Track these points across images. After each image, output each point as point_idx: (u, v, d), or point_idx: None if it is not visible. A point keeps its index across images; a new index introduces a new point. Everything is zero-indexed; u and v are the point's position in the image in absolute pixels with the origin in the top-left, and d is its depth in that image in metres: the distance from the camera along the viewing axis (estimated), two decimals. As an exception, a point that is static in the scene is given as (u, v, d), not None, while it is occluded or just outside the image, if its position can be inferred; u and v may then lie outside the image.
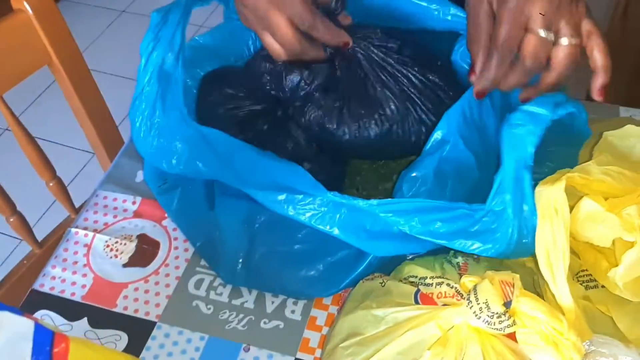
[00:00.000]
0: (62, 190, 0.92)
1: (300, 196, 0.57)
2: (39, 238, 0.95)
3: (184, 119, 0.60)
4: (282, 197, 0.57)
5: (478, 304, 0.49)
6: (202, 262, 0.68)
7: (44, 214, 1.71)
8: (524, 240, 0.54)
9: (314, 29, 0.58)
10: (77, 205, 0.98)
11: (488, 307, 0.49)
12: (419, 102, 0.63)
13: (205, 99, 0.67)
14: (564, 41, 0.53)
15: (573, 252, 0.61)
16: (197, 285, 0.66)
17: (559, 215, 0.49)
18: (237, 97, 0.67)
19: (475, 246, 0.55)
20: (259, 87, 0.66)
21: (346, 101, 0.63)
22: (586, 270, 0.59)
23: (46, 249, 0.91)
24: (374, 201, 0.55)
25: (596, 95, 0.55)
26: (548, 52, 0.53)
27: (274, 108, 0.66)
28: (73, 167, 1.83)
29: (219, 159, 0.60)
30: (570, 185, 0.55)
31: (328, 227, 0.56)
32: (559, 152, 0.66)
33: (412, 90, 0.64)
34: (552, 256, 0.49)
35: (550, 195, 0.50)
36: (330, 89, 0.64)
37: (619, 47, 1.77)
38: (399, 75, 0.64)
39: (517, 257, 0.57)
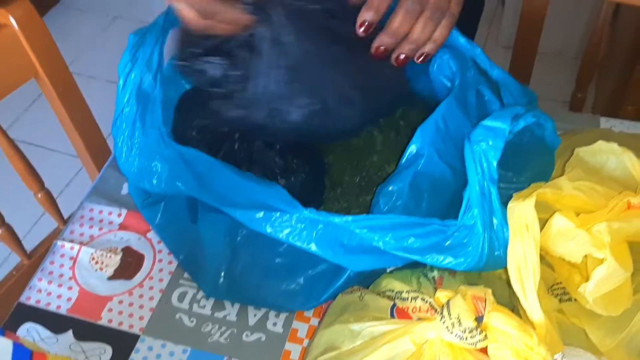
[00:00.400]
0: (51, 201, 0.93)
1: (277, 214, 0.58)
2: (32, 247, 0.96)
3: (163, 138, 0.61)
4: (259, 215, 0.58)
5: (450, 318, 0.50)
6: (186, 275, 0.69)
7: (35, 222, 1.72)
8: (496, 253, 0.56)
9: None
10: (68, 214, 0.99)
11: (460, 322, 0.50)
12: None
13: (180, 120, 0.68)
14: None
15: (549, 265, 0.62)
16: (181, 298, 0.67)
17: (530, 232, 0.50)
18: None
19: (447, 260, 0.56)
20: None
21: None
22: (560, 283, 0.60)
23: (35, 260, 0.92)
24: (349, 217, 0.56)
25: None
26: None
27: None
28: (68, 172, 1.84)
29: (197, 178, 0.61)
30: (544, 200, 0.56)
31: (305, 243, 0.57)
32: (534, 161, 0.67)
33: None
34: (522, 272, 0.51)
35: (521, 212, 0.51)
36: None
37: (607, 57, 1.79)
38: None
39: (490, 269, 0.58)
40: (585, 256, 0.54)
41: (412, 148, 0.60)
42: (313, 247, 0.58)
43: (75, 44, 2.33)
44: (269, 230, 0.57)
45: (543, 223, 0.56)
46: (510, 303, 0.59)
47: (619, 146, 0.58)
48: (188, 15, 0.56)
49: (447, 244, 0.56)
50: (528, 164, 0.66)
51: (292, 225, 0.57)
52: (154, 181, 0.63)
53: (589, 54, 1.01)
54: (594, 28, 0.98)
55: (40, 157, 1.91)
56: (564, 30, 2.00)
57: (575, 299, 0.58)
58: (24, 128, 2.03)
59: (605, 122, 0.83)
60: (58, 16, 2.48)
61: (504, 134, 0.56)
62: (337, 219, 0.57)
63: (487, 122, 0.57)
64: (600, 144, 0.58)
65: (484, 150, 0.55)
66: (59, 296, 0.68)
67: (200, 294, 0.67)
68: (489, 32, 2.21)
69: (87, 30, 2.41)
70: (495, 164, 0.55)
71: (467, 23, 0.92)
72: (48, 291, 0.68)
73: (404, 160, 0.60)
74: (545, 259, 0.62)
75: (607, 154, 0.58)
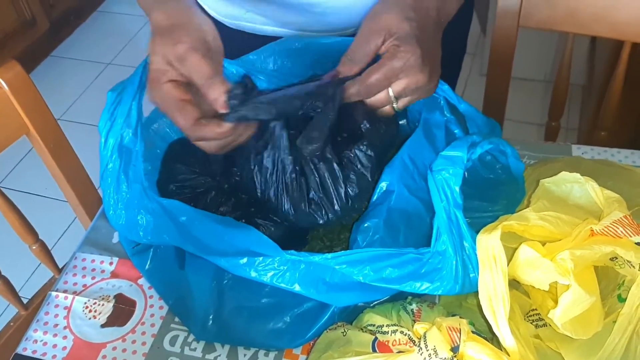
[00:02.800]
0: (45, 252, 0.96)
1: (260, 258, 0.61)
2: (29, 296, 0.97)
3: (145, 192, 0.64)
4: (243, 261, 0.61)
5: (427, 350, 0.53)
6: (177, 319, 0.71)
7: (33, 272, 1.73)
8: (471, 275, 0.58)
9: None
10: (64, 261, 1.01)
11: (437, 353, 0.52)
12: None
13: (165, 172, 0.71)
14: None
15: (525, 292, 0.65)
16: (172, 341, 0.69)
17: (497, 263, 0.53)
18: (189, 172, 0.71)
19: (424, 286, 0.59)
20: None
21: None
22: (536, 309, 0.62)
23: (32, 310, 0.94)
24: (328, 255, 0.59)
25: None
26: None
27: (220, 183, 0.70)
28: (67, 218, 1.87)
29: (180, 229, 0.64)
30: (512, 232, 0.59)
31: (289, 284, 0.60)
32: (506, 190, 0.70)
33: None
34: (493, 301, 0.53)
35: (488, 244, 0.53)
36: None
37: (587, 83, 1.83)
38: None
39: (468, 291, 0.60)
40: (555, 283, 0.57)
41: (382, 185, 0.63)
42: (297, 287, 0.60)
43: (70, 92, 2.39)
44: (253, 274, 0.60)
45: (513, 253, 0.59)
46: (490, 332, 0.61)
47: (582, 175, 0.61)
48: (210, 150, 0.61)
49: (423, 270, 0.59)
50: (501, 194, 0.70)
51: (275, 268, 0.60)
52: (141, 233, 0.66)
53: (558, 85, 1.04)
54: (561, 59, 1.01)
55: (37, 205, 1.96)
56: (547, 56, 2.06)
57: (550, 324, 0.60)
58: (21, 178, 2.06)
59: (576, 150, 0.86)
60: (52, 66, 2.54)
61: (462, 161, 0.59)
62: (317, 258, 0.59)
63: (446, 152, 0.60)
64: (564, 174, 0.61)
65: (446, 178, 0.58)
66: (54, 346, 0.70)
67: (191, 337, 0.69)
68: (473, 62, 2.26)
69: (81, 78, 2.46)
70: (457, 189, 0.58)
71: (451, 67, 0.97)
72: (44, 341, 0.70)
73: (375, 197, 0.63)
74: (522, 287, 0.64)
75: (572, 183, 0.61)
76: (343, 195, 0.64)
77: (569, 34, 0.98)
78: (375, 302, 0.65)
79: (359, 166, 0.64)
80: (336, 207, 0.64)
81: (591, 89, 1.74)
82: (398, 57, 0.58)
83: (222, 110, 0.58)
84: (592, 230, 0.57)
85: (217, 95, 0.58)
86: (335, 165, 0.64)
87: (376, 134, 0.65)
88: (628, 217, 0.58)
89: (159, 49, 0.58)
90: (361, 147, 0.64)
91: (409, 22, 0.59)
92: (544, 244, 0.58)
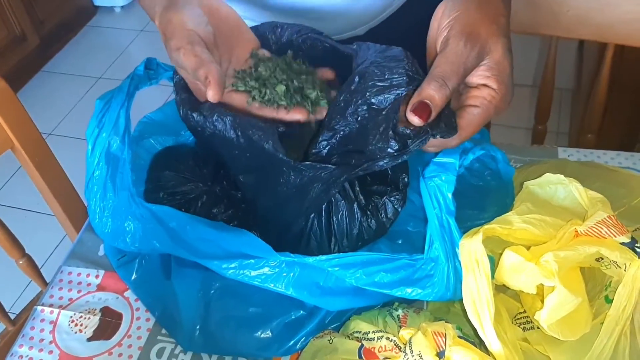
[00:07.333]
0: (32, 267, 0.95)
1: (253, 261, 0.60)
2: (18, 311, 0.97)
3: (133, 199, 0.63)
4: (235, 264, 0.60)
5: (413, 355, 0.52)
6: (163, 331, 0.70)
7: (25, 288, 1.72)
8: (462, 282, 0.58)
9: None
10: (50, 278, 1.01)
11: (422, 358, 0.52)
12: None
13: (150, 183, 0.71)
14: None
15: (513, 295, 0.64)
16: (159, 354, 0.68)
17: (480, 267, 0.52)
18: (179, 178, 0.70)
19: (416, 292, 0.59)
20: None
21: None
22: (523, 312, 0.62)
23: (19, 326, 0.93)
24: (322, 257, 0.59)
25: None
26: None
27: (212, 187, 0.69)
28: (57, 233, 1.85)
29: (170, 234, 0.64)
30: (496, 236, 0.59)
31: (283, 287, 0.60)
32: (497, 197, 0.70)
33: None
34: (478, 305, 0.53)
35: (470, 248, 0.53)
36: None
37: (576, 87, 1.84)
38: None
39: (460, 298, 0.60)
40: (541, 286, 0.56)
41: None
42: (290, 290, 0.60)
43: (61, 106, 2.39)
44: (245, 278, 0.59)
45: (498, 257, 0.59)
46: (477, 336, 0.61)
47: (571, 175, 0.61)
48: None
49: (415, 276, 0.58)
50: (491, 201, 0.70)
51: (268, 270, 0.60)
52: (128, 240, 0.65)
53: (544, 90, 1.05)
54: (546, 63, 1.02)
55: (28, 221, 1.95)
56: (533, 61, 2.07)
57: (538, 327, 0.60)
58: (11, 194, 2.06)
59: (562, 152, 0.86)
60: (43, 81, 2.54)
61: (455, 167, 0.59)
62: (311, 259, 0.59)
63: (438, 159, 0.60)
64: (548, 176, 0.61)
65: (438, 185, 0.58)
66: (40, 361, 0.69)
67: (178, 348, 0.68)
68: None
69: (71, 92, 2.46)
70: (450, 196, 0.58)
71: None
72: (29, 356, 0.70)
73: None
74: (511, 290, 0.64)
75: (555, 185, 0.61)
76: (355, 237, 0.64)
77: (552, 38, 0.99)
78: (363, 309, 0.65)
79: (382, 215, 0.64)
80: (345, 242, 0.64)
81: (579, 92, 1.74)
82: (495, 104, 0.54)
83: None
84: (577, 231, 0.57)
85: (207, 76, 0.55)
86: (355, 206, 0.63)
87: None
88: (612, 217, 0.57)
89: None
90: (392, 199, 0.64)
91: (509, 57, 0.55)
92: (528, 248, 0.57)
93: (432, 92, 0.52)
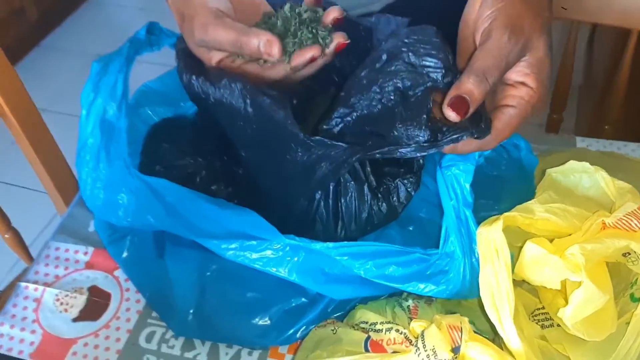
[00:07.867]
0: (18, 241, 0.91)
1: (255, 242, 0.56)
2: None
3: (129, 169, 0.59)
4: (235, 244, 0.56)
5: (426, 350, 0.48)
6: (154, 314, 0.66)
7: (15, 264, 1.68)
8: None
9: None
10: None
11: (435, 354, 0.48)
12: None
13: (146, 156, 0.66)
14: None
15: (531, 290, 0.60)
16: (149, 338, 0.64)
17: (500, 257, 0.48)
18: (177, 152, 0.66)
19: (429, 288, 0.55)
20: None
21: None
22: (542, 308, 0.58)
23: (0, 304, 0.89)
24: (329, 244, 0.55)
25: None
26: None
27: (212, 162, 0.65)
28: (51, 210, 1.82)
29: (167, 209, 0.59)
30: (516, 226, 0.54)
31: (286, 272, 0.56)
32: (515, 188, 0.66)
33: None
34: (496, 298, 0.49)
35: (489, 237, 0.49)
36: None
37: (586, 79, 1.80)
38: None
39: (476, 296, 0.56)
40: (565, 281, 0.52)
41: None
42: (294, 275, 0.56)
43: (58, 82, 2.33)
44: (246, 259, 0.55)
45: (518, 250, 0.54)
46: (492, 332, 0.57)
47: (591, 165, 0.57)
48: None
49: (428, 272, 0.55)
50: (508, 191, 0.65)
51: (271, 253, 0.56)
52: (120, 213, 0.61)
53: (562, 76, 1.01)
54: (565, 51, 0.98)
55: (18, 197, 1.90)
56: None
57: (558, 325, 0.56)
58: (5, 169, 2.01)
59: (581, 142, 0.82)
60: (41, 56, 2.49)
61: (474, 157, 0.55)
62: (318, 245, 0.55)
63: None
64: (572, 163, 0.57)
65: (455, 174, 0.54)
66: (22, 340, 0.65)
67: (169, 333, 0.64)
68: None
69: (68, 69, 2.41)
70: (468, 187, 0.54)
71: None
72: (10, 335, 0.65)
73: None
74: (528, 284, 0.60)
75: (580, 173, 0.57)
76: (364, 220, 0.60)
77: (573, 23, 0.94)
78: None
79: (394, 199, 0.60)
80: (352, 226, 0.60)
81: (589, 88, 1.70)
82: (532, 105, 0.51)
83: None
84: (604, 223, 0.53)
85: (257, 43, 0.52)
86: (366, 188, 0.59)
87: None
88: (643, 209, 0.53)
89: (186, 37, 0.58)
90: (406, 182, 0.59)
91: (550, 55, 0.52)
92: (551, 240, 0.53)
93: (472, 87, 0.48)
